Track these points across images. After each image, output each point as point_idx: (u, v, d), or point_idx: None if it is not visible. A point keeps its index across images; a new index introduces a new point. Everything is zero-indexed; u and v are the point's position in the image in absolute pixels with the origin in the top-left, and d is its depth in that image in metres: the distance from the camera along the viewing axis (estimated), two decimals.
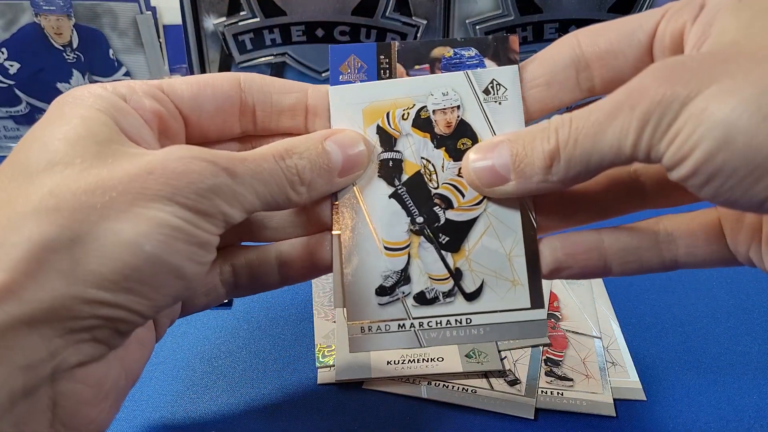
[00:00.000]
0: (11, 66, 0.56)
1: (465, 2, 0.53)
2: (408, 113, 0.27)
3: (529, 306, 0.26)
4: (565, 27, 0.54)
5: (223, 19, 0.53)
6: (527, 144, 0.23)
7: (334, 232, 0.26)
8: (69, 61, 0.56)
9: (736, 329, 0.37)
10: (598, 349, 0.36)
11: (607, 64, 0.23)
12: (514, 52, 0.26)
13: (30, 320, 0.18)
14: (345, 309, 0.26)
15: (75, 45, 0.56)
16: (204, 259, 0.22)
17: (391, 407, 0.32)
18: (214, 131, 0.26)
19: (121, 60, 0.57)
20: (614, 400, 0.33)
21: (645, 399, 0.33)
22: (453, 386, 0.33)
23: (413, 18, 0.54)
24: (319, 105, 0.27)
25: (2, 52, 0.55)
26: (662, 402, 0.33)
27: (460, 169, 0.26)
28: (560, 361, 0.35)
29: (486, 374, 0.34)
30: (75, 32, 0.55)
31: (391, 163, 0.27)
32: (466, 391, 0.33)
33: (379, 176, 0.27)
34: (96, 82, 0.58)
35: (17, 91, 0.57)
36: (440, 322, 0.26)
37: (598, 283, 0.41)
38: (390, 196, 0.27)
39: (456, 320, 0.26)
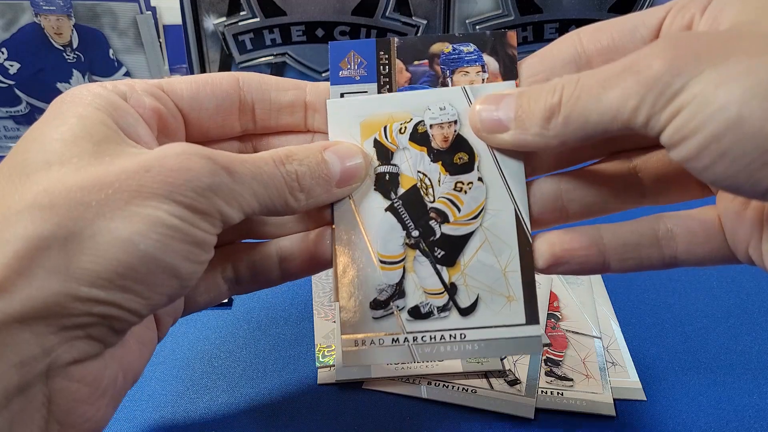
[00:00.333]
0: (11, 66, 0.56)
1: (465, 2, 0.53)
2: (405, 127, 0.27)
3: (524, 322, 0.26)
4: (565, 27, 0.54)
5: (223, 19, 0.53)
6: (533, 96, 0.23)
7: (335, 226, 0.26)
8: (69, 61, 0.56)
9: (736, 329, 0.37)
10: (598, 349, 0.36)
11: (608, 60, 0.23)
12: (512, 48, 0.26)
13: (23, 317, 0.18)
14: (339, 320, 0.26)
15: (75, 45, 0.56)
16: (200, 258, 0.22)
17: (391, 407, 0.32)
18: (214, 130, 0.26)
19: (121, 60, 0.57)
20: (614, 400, 0.33)
21: (645, 399, 0.33)
22: (453, 386, 0.33)
23: (413, 18, 0.54)
24: (317, 101, 0.27)
25: (2, 52, 0.55)
26: (662, 402, 0.33)
27: (456, 183, 0.26)
28: (560, 361, 0.35)
29: (486, 374, 0.34)
30: (75, 32, 0.55)
31: (387, 176, 0.27)
32: (466, 391, 0.33)
33: (375, 189, 0.27)
34: (96, 82, 0.58)
35: (17, 91, 0.57)
36: (434, 337, 0.26)
37: (598, 283, 0.41)
38: (386, 210, 0.27)
39: (450, 335, 0.26)
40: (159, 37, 0.57)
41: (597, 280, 0.41)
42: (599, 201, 0.26)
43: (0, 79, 0.56)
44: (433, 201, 0.27)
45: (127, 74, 0.58)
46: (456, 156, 0.27)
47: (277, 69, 0.56)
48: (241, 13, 0.53)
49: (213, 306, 0.28)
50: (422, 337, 0.26)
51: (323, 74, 0.56)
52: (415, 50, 0.26)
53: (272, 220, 0.28)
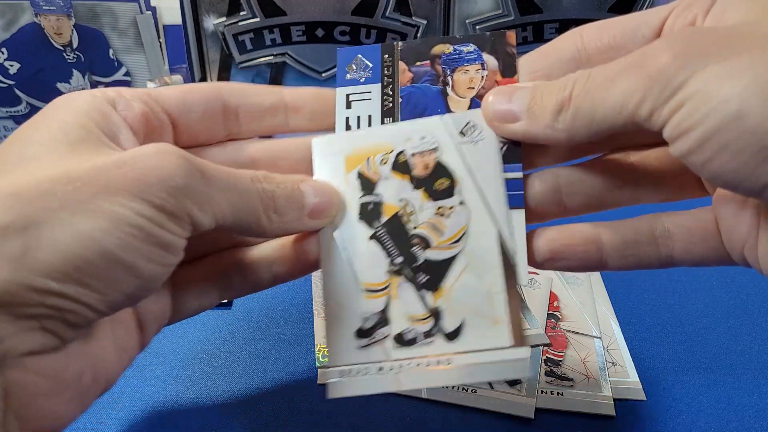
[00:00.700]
0: (11, 66, 0.56)
1: (465, 2, 0.53)
2: (387, 158, 0.27)
3: (511, 344, 0.25)
4: (565, 27, 0.54)
5: (223, 19, 0.53)
6: (545, 90, 0.23)
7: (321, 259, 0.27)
8: (69, 61, 0.56)
9: (736, 329, 0.37)
10: (598, 349, 0.36)
11: (609, 59, 0.23)
12: (511, 47, 0.27)
13: None
14: (329, 353, 0.26)
15: (75, 45, 0.56)
16: (165, 260, 0.21)
17: (391, 407, 0.32)
18: (202, 134, 0.27)
19: (121, 60, 0.57)
20: (614, 400, 0.33)
21: (645, 399, 0.33)
22: (453, 386, 0.33)
23: (413, 18, 0.54)
24: (297, 101, 0.28)
25: (2, 52, 0.55)
26: (662, 402, 0.33)
27: (438, 207, 0.27)
28: (560, 361, 0.35)
29: None
30: (75, 32, 0.55)
31: (370, 206, 0.27)
32: (466, 391, 0.33)
33: (359, 219, 0.27)
34: (96, 82, 0.58)
35: (17, 91, 0.57)
36: (419, 363, 0.26)
37: (598, 283, 0.41)
38: (370, 238, 0.27)
39: (436, 361, 0.26)
40: (159, 37, 0.57)
41: (597, 280, 0.41)
42: (597, 195, 0.26)
43: (0, 79, 0.56)
44: (416, 227, 0.27)
45: (127, 74, 0.58)
46: (437, 182, 0.27)
47: (277, 69, 0.56)
48: (241, 13, 0.53)
49: (202, 312, 0.28)
50: (408, 364, 0.26)
51: (323, 74, 0.56)
52: (417, 52, 0.27)
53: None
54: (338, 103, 0.28)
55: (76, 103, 0.23)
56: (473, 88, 0.27)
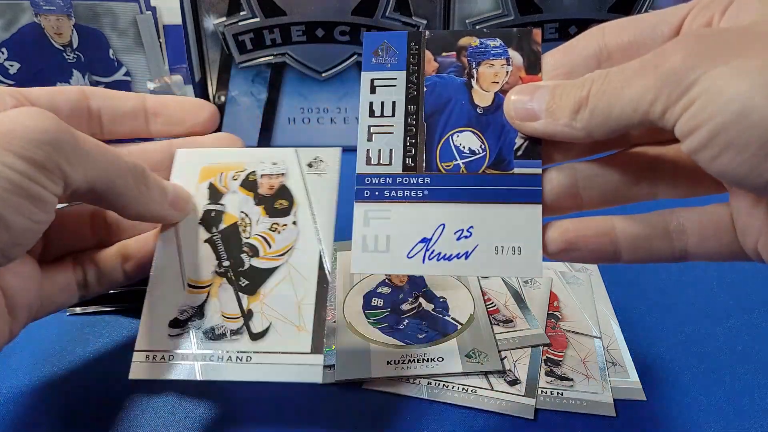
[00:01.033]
0: (11, 66, 0.56)
1: (465, 2, 0.53)
2: (239, 175, 0.31)
3: (309, 351, 0.28)
4: (565, 27, 0.54)
5: (223, 19, 0.53)
6: (564, 89, 0.24)
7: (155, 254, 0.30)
8: (69, 61, 0.56)
9: (736, 329, 0.37)
10: (598, 349, 0.36)
11: (629, 56, 0.23)
12: (537, 44, 0.27)
13: None
14: (137, 337, 0.28)
15: (75, 45, 0.56)
16: (35, 216, 0.22)
17: (391, 407, 0.32)
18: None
19: (121, 60, 0.57)
20: (614, 400, 0.33)
21: (645, 399, 0.33)
22: (453, 386, 0.33)
23: (413, 18, 0.54)
24: (157, 106, 0.32)
25: (2, 52, 0.55)
26: (662, 402, 0.33)
27: (272, 224, 0.30)
28: (560, 361, 0.35)
29: (486, 374, 0.34)
30: (75, 32, 0.55)
31: (213, 213, 0.31)
32: (466, 391, 0.33)
33: (200, 223, 0.31)
34: (96, 82, 0.58)
35: None
36: (222, 357, 0.28)
37: (598, 283, 0.41)
38: (205, 241, 0.30)
39: (237, 357, 0.28)
40: (159, 37, 0.57)
41: (597, 280, 0.41)
42: (614, 190, 0.26)
43: (0, 79, 0.56)
44: (249, 237, 0.30)
45: (127, 74, 0.58)
46: (277, 202, 0.31)
47: (277, 69, 0.56)
48: (241, 13, 0.53)
49: (66, 308, 0.31)
50: (210, 357, 0.28)
51: (323, 74, 0.56)
52: (444, 42, 0.28)
53: (124, 226, 0.32)
54: (363, 87, 0.28)
55: None
56: (497, 82, 0.27)
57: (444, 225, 0.26)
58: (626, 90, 0.21)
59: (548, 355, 0.35)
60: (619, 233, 0.25)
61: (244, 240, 0.30)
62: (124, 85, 0.58)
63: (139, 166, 0.27)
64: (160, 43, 0.57)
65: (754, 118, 0.18)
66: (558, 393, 0.33)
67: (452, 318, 0.37)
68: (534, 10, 0.54)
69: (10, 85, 0.56)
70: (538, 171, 0.26)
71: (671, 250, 0.25)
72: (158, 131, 0.32)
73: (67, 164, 0.22)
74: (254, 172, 0.31)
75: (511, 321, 0.37)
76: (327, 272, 0.29)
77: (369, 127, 0.28)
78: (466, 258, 0.26)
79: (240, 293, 0.29)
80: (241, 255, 0.30)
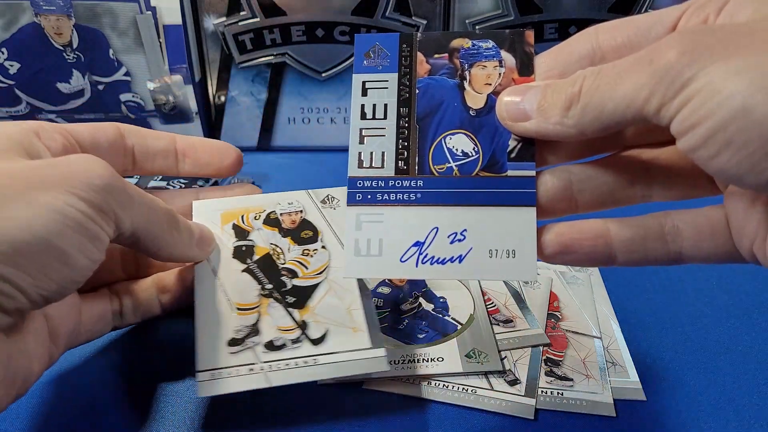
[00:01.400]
0: (11, 66, 0.56)
1: (465, 2, 0.54)
2: (260, 215, 0.34)
3: (369, 346, 0.30)
4: (565, 27, 0.54)
5: (223, 19, 0.53)
6: (556, 88, 0.24)
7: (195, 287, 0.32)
8: (69, 61, 0.56)
9: (736, 329, 0.37)
10: (598, 349, 0.36)
11: (622, 57, 0.23)
12: (529, 46, 0.27)
13: None
14: (197, 360, 0.29)
15: (75, 45, 0.56)
16: (93, 256, 0.23)
17: (391, 407, 0.32)
18: None
19: (121, 60, 0.57)
20: (614, 400, 0.33)
21: (645, 399, 0.33)
22: (453, 386, 0.33)
23: (413, 18, 0.54)
24: (186, 148, 0.34)
25: (2, 52, 0.55)
26: (662, 402, 0.33)
27: (304, 250, 0.33)
28: (560, 361, 0.35)
29: (486, 374, 0.34)
30: (75, 32, 0.55)
31: (243, 248, 0.33)
32: (466, 391, 0.33)
33: (233, 257, 0.33)
34: (96, 81, 0.58)
35: (17, 91, 0.57)
36: (288, 364, 0.29)
37: (598, 283, 0.41)
38: (242, 271, 0.32)
39: (303, 361, 0.30)
40: (159, 37, 0.57)
41: (597, 280, 0.41)
42: (609, 192, 0.26)
43: (0, 79, 0.56)
44: (284, 263, 0.33)
45: (127, 74, 0.58)
46: (302, 232, 0.33)
47: (277, 69, 0.56)
48: (241, 13, 0.53)
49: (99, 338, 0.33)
50: (276, 365, 0.29)
51: (323, 74, 0.56)
52: (436, 44, 0.28)
53: (150, 263, 0.34)
54: (354, 89, 0.28)
55: (3, 130, 0.25)
56: (490, 84, 0.27)
57: (437, 228, 0.26)
58: (619, 86, 0.21)
59: (548, 355, 0.35)
60: (614, 236, 0.25)
61: (281, 266, 0.33)
62: (124, 85, 0.59)
63: (171, 211, 0.28)
64: (160, 43, 0.57)
65: (755, 116, 0.18)
66: (558, 393, 0.33)
67: (452, 318, 0.37)
68: (534, 10, 0.54)
69: (9, 86, 0.57)
70: (532, 173, 0.26)
71: (666, 252, 0.25)
72: (186, 171, 0.34)
73: (119, 209, 0.24)
74: (274, 211, 0.34)
75: (511, 321, 0.37)
76: (365, 282, 0.32)
77: (361, 129, 0.27)
78: (460, 261, 0.26)
79: (290, 308, 0.31)
80: (281, 278, 0.32)
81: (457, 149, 0.27)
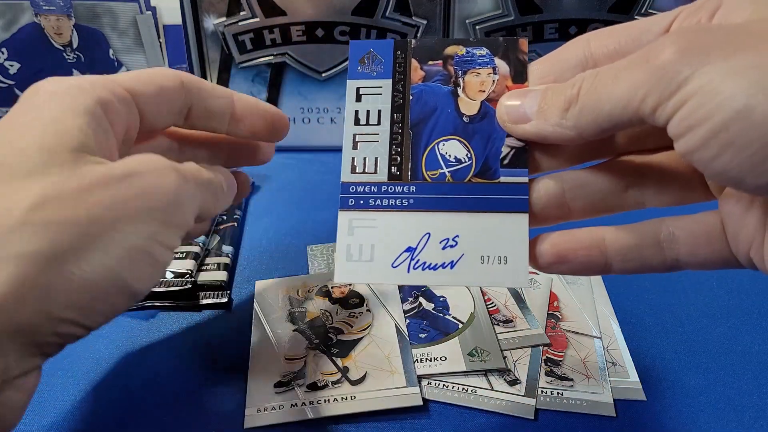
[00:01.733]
0: (11, 66, 0.56)
1: (465, 2, 0.53)
2: (313, 288, 0.40)
3: (405, 385, 0.33)
4: (565, 27, 0.54)
5: (223, 19, 0.53)
6: (555, 90, 0.23)
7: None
8: (69, 61, 0.56)
9: (736, 329, 0.37)
10: (598, 349, 0.36)
11: None
12: (523, 53, 0.27)
13: None
14: (247, 398, 0.33)
15: (75, 45, 0.56)
16: (157, 279, 0.23)
17: (391, 407, 0.32)
18: (159, 125, 0.28)
19: (121, 60, 0.57)
20: (614, 400, 0.33)
21: (645, 399, 0.33)
22: (453, 386, 0.33)
23: (413, 18, 0.54)
24: (244, 110, 0.30)
25: (2, 52, 0.55)
26: (662, 402, 0.33)
27: (350, 312, 0.38)
28: (560, 361, 0.35)
29: (486, 373, 0.34)
30: (75, 32, 0.55)
31: (296, 313, 0.38)
32: (466, 391, 0.33)
33: (286, 320, 0.37)
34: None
35: (17, 91, 0.57)
36: (328, 400, 0.32)
37: (598, 283, 0.41)
38: (294, 330, 0.37)
39: (342, 398, 0.32)
40: (159, 37, 0.57)
41: (597, 280, 0.41)
42: (602, 199, 0.26)
43: (0, 79, 0.56)
44: (332, 324, 0.37)
45: None
46: (350, 300, 0.39)
47: (277, 69, 0.56)
48: (241, 13, 0.53)
49: None
50: (317, 401, 0.32)
51: (323, 74, 0.56)
52: (430, 51, 0.28)
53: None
54: (348, 95, 0.28)
55: (69, 101, 0.22)
56: (484, 91, 0.27)
57: (429, 234, 0.26)
58: (616, 86, 0.21)
59: (548, 355, 0.35)
60: (609, 245, 0.25)
61: (329, 326, 0.37)
62: None
63: (215, 179, 0.27)
64: (160, 43, 0.57)
65: (756, 117, 0.17)
66: (558, 393, 0.33)
67: (453, 317, 0.37)
68: (534, 10, 0.54)
69: (9, 86, 0.57)
70: (525, 180, 0.26)
71: (663, 259, 0.25)
72: (235, 136, 0.31)
73: (190, 214, 0.24)
74: (326, 285, 0.40)
75: (511, 321, 0.37)
76: (405, 335, 0.36)
77: (354, 135, 0.27)
78: (452, 267, 0.26)
79: (334, 357, 0.35)
80: (328, 334, 0.36)
81: (450, 155, 0.27)
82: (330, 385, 0.33)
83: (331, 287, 0.39)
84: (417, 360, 0.34)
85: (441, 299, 0.39)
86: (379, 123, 0.27)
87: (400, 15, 0.53)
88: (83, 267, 0.19)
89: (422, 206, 0.26)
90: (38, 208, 0.19)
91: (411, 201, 0.26)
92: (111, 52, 0.57)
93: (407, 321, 0.37)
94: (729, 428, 0.31)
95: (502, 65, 0.27)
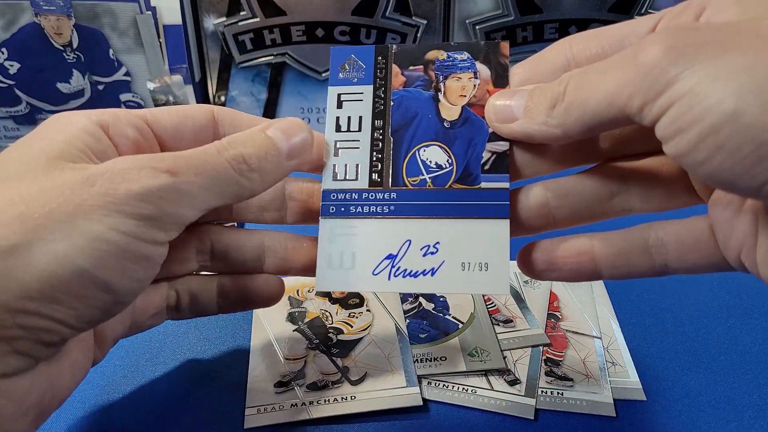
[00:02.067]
0: (11, 66, 0.56)
1: (465, 2, 0.54)
2: (312, 288, 0.39)
3: (405, 385, 0.32)
4: (565, 27, 0.54)
5: (223, 19, 0.53)
6: (543, 89, 0.23)
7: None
8: (69, 61, 0.56)
9: (736, 329, 0.37)
10: (598, 349, 0.36)
11: None
12: (504, 57, 0.27)
13: None
14: (247, 397, 0.32)
15: (75, 45, 0.56)
16: (139, 275, 0.22)
17: (391, 407, 0.32)
18: (181, 147, 0.27)
19: (121, 60, 0.57)
20: (614, 400, 0.33)
21: (645, 399, 0.33)
22: (453, 386, 0.33)
23: (413, 18, 0.54)
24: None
25: (2, 52, 0.55)
26: (662, 402, 0.33)
27: (350, 313, 0.37)
28: (560, 361, 0.35)
29: (486, 373, 0.34)
30: (75, 32, 0.55)
31: (296, 313, 0.38)
32: (466, 391, 0.33)
33: (286, 320, 0.37)
34: (96, 81, 0.58)
35: (17, 91, 0.57)
36: (328, 400, 0.32)
37: (598, 283, 0.41)
38: (294, 330, 0.36)
39: (342, 398, 0.32)
40: (159, 37, 0.57)
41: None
42: (586, 208, 0.26)
43: (0, 79, 0.56)
44: (332, 324, 0.37)
45: (127, 74, 0.58)
46: (350, 300, 0.38)
47: (277, 69, 0.56)
48: (241, 13, 0.53)
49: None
50: (317, 401, 0.32)
51: (323, 74, 0.56)
52: (411, 56, 0.28)
53: (229, 255, 0.30)
54: (329, 102, 0.28)
55: (68, 125, 0.23)
56: (465, 96, 0.27)
57: (410, 241, 0.26)
58: (602, 83, 0.20)
59: (548, 355, 0.35)
60: (598, 251, 0.25)
61: (329, 326, 0.37)
62: (124, 85, 0.59)
63: (237, 156, 0.24)
64: (160, 43, 0.57)
65: (746, 120, 0.17)
66: (558, 393, 0.33)
67: (453, 317, 0.37)
68: (534, 10, 0.54)
69: (9, 86, 0.57)
70: (506, 185, 0.26)
71: (651, 265, 0.25)
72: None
73: (175, 206, 0.22)
74: None
75: (511, 321, 0.37)
76: (405, 335, 0.36)
77: (335, 142, 0.27)
78: (432, 275, 0.26)
79: (334, 357, 0.34)
80: (328, 334, 0.36)
81: (430, 161, 0.26)
82: (330, 385, 0.33)
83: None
84: (417, 360, 0.34)
85: (441, 299, 0.39)
86: (360, 129, 0.27)
87: (400, 15, 0.53)
88: (36, 257, 0.19)
89: (403, 213, 0.26)
90: None
91: (392, 208, 0.26)
92: (111, 52, 0.57)
93: (407, 321, 0.37)
94: (729, 428, 0.31)
95: (483, 69, 0.27)
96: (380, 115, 0.27)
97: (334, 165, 0.27)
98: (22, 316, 0.19)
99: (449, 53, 0.27)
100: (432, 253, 0.26)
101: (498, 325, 0.37)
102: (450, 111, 0.27)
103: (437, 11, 0.54)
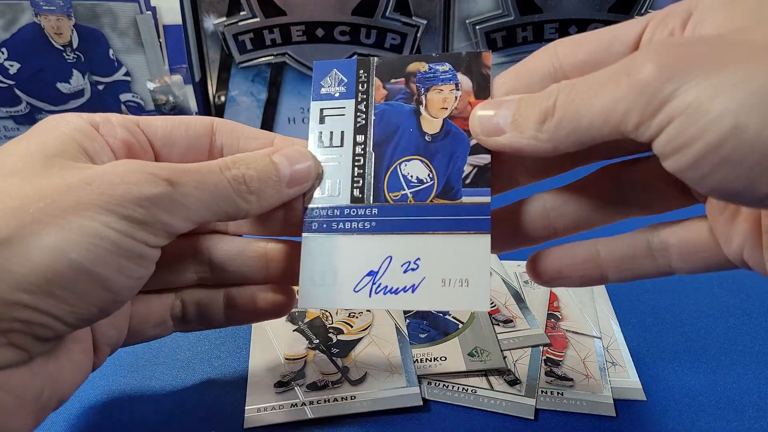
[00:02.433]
0: (11, 66, 0.56)
1: (465, 2, 0.53)
2: None
3: (405, 385, 0.33)
4: (565, 27, 0.54)
5: (223, 19, 0.53)
6: (530, 101, 0.23)
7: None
8: (69, 61, 0.56)
9: (736, 329, 0.37)
10: (598, 349, 0.36)
11: (585, 75, 0.22)
12: (486, 68, 0.26)
13: None
14: (247, 397, 0.32)
15: (75, 45, 0.56)
16: (134, 273, 0.22)
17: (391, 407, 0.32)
18: (174, 157, 0.27)
19: (121, 60, 0.57)
20: (614, 400, 0.33)
21: (645, 399, 0.33)
22: (453, 386, 0.33)
23: (413, 18, 0.54)
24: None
25: (2, 52, 0.55)
26: (662, 402, 0.33)
27: (350, 313, 0.38)
28: (560, 361, 0.35)
29: (486, 373, 0.34)
30: (75, 32, 0.55)
31: (296, 313, 0.38)
32: (466, 391, 0.33)
33: (286, 321, 0.37)
34: (96, 81, 0.58)
35: (17, 91, 0.57)
36: (328, 400, 0.32)
37: None
38: (294, 330, 0.37)
39: (342, 398, 0.32)
40: (159, 37, 0.57)
41: None
42: (585, 216, 0.26)
43: (0, 79, 0.56)
44: (332, 324, 0.37)
45: (127, 74, 0.58)
46: None
47: (277, 69, 0.56)
48: (241, 13, 0.53)
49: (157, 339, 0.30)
50: (317, 401, 0.32)
51: None
52: (392, 69, 0.27)
53: (226, 267, 0.29)
54: (312, 117, 0.28)
55: (62, 123, 0.24)
56: (446, 108, 0.26)
57: (391, 258, 0.26)
58: (595, 99, 0.20)
59: (548, 355, 0.35)
60: (604, 257, 0.25)
61: (329, 325, 0.37)
62: (124, 85, 0.59)
63: (239, 177, 0.24)
64: (160, 43, 0.57)
65: (747, 136, 0.17)
66: (558, 393, 0.33)
67: (453, 317, 0.37)
68: (534, 10, 0.54)
69: (9, 86, 0.57)
70: (487, 200, 0.25)
71: (656, 267, 0.25)
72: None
73: (168, 215, 0.22)
74: None
75: (511, 321, 0.37)
76: (405, 334, 0.36)
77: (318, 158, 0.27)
78: (413, 291, 0.25)
79: (334, 357, 0.35)
80: (328, 334, 0.36)
81: (412, 176, 0.26)
82: (330, 385, 0.33)
83: None
84: (417, 360, 0.34)
85: None
86: (342, 145, 0.27)
87: (400, 15, 0.53)
88: (31, 250, 0.19)
89: (384, 229, 0.26)
90: None
91: (373, 224, 0.26)
92: (111, 52, 0.57)
93: (407, 321, 0.37)
94: (729, 428, 0.31)
95: (464, 80, 0.26)
96: (362, 130, 0.27)
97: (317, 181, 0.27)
98: (18, 308, 0.19)
99: (431, 65, 0.27)
100: (413, 269, 0.25)
101: (498, 325, 0.37)
102: (431, 124, 0.26)
103: (437, 11, 0.54)
